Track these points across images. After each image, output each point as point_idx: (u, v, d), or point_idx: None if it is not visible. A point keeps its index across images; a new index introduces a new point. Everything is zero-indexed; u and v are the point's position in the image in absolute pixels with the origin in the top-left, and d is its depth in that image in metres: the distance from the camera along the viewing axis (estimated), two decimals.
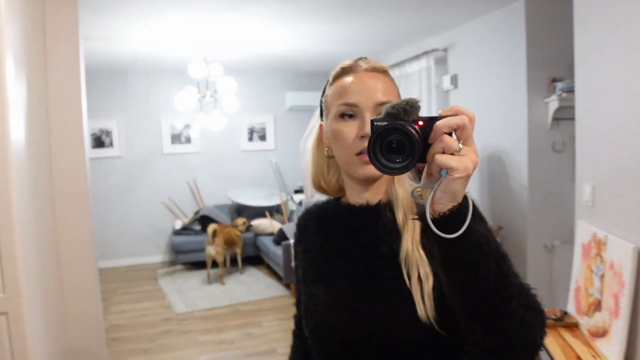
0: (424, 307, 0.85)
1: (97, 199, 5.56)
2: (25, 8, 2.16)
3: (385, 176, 0.97)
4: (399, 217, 0.94)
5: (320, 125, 1.06)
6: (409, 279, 0.88)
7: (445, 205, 0.69)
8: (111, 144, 6.21)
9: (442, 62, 4.61)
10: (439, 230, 0.69)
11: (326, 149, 1.04)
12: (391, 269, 0.91)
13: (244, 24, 4.03)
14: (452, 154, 0.66)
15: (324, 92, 1.04)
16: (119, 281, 5.67)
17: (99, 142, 6.16)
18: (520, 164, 3.67)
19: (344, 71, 0.99)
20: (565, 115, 3.38)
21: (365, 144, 0.82)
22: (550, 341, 2.15)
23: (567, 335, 2.19)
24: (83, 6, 2.76)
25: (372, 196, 1.00)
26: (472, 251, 0.69)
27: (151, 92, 6.28)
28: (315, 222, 1.11)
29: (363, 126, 0.91)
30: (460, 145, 0.67)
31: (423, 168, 0.73)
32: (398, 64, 5.16)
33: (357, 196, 1.01)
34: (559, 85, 3.33)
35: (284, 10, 3.66)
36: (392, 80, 0.99)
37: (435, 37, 4.69)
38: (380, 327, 0.90)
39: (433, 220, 0.69)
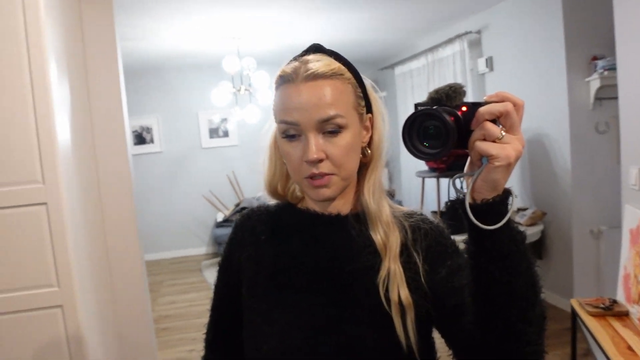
0: (407, 332, 0.81)
1: (141, 194, 5.72)
2: (63, 14, 2.24)
3: (352, 186, 0.91)
4: (379, 232, 0.86)
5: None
6: (387, 300, 0.82)
7: (485, 194, 0.66)
8: (152, 140, 6.38)
9: (476, 44, 4.52)
10: (476, 219, 0.66)
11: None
12: (367, 286, 0.84)
13: (274, 17, 4.05)
14: (493, 142, 0.64)
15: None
16: (164, 273, 5.85)
17: (140, 139, 6.33)
18: (562, 146, 3.57)
19: (283, 80, 0.85)
20: (608, 94, 3.27)
21: (312, 169, 0.81)
22: (599, 330, 2.09)
23: (617, 325, 2.13)
24: (118, 8, 2.84)
25: (342, 206, 0.91)
26: (507, 245, 0.66)
27: (188, 88, 6.40)
28: (267, 228, 0.97)
29: (306, 150, 0.80)
30: (503, 133, 0.64)
31: (466, 155, 0.70)
32: (430, 49, 5.09)
33: (324, 206, 0.91)
34: (600, 63, 3.22)
35: (313, 1, 3.66)
36: (343, 81, 0.84)
37: (467, 19, 4.60)
38: (354, 350, 0.82)
39: (470, 208, 0.67)
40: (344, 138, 0.82)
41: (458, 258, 0.85)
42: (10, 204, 1.95)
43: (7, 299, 1.98)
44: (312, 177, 0.82)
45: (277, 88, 0.87)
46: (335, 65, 0.84)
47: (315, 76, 0.81)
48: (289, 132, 0.83)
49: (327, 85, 0.82)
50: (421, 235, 0.88)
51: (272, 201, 1.01)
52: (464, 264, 0.82)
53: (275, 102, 0.86)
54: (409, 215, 0.92)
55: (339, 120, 0.81)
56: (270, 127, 0.97)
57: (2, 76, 1.90)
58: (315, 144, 0.80)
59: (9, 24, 1.90)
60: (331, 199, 0.87)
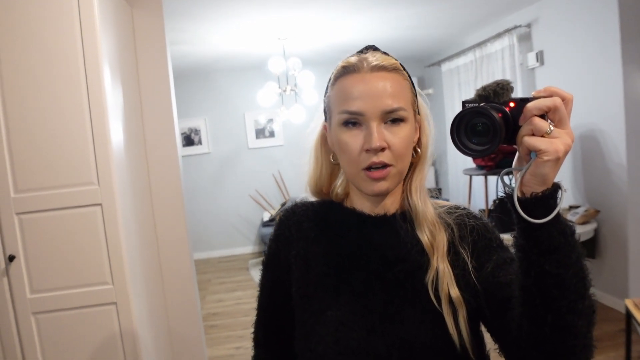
0: (460, 330, 0.81)
1: (189, 194, 5.87)
2: (116, 21, 2.31)
3: (400, 185, 0.91)
4: (425, 232, 0.87)
5: (325, 126, 0.94)
6: (437, 299, 0.83)
7: (534, 188, 0.66)
8: (200, 142, 6.52)
9: (525, 38, 4.38)
10: (525, 213, 0.66)
11: (332, 154, 0.93)
12: (417, 286, 0.85)
13: (319, 17, 4.05)
14: (542, 136, 0.63)
15: (326, 91, 0.91)
16: (212, 272, 5.96)
17: (188, 140, 6.48)
18: (617, 142, 3.41)
19: (346, 70, 0.85)
20: None
21: (372, 158, 0.82)
22: None
23: None
24: (168, 14, 2.92)
25: (389, 205, 0.92)
26: (556, 238, 0.66)
27: (234, 90, 6.50)
28: (314, 224, 0.96)
29: (369, 138, 0.81)
30: (551, 128, 0.63)
31: (515, 151, 0.70)
32: (478, 45, 4.97)
33: (372, 206, 0.92)
34: None
35: None
36: (404, 77, 0.86)
37: (516, 13, 4.47)
38: (408, 350, 0.82)
39: (519, 202, 0.67)
40: (404, 130, 0.83)
41: (503, 252, 0.85)
42: (68, 205, 2.04)
43: (64, 296, 2.07)
44: (371, 168, 0.82)
45: (337, 79, 0.87)
46: (396, 61, 0.87)
47: (380, 68, 0.83)
48: (350, 121, 0.83)
49: (391, 77, 0.84)
50: (467, 232, 0.88)
51: (313, 198, 1.01)
52: (509, 258, 0.83)
53: (335, 93, 0.87)
54: (453, 210, 0.92)
55: (401, 113, 0.83)
56: (315, 128, 0.98)
57: (59, 83, 1.99)
58: (379, 132, 0.81)
59: (65, 33, 1.98)
60: (385, 194, 0.87)
